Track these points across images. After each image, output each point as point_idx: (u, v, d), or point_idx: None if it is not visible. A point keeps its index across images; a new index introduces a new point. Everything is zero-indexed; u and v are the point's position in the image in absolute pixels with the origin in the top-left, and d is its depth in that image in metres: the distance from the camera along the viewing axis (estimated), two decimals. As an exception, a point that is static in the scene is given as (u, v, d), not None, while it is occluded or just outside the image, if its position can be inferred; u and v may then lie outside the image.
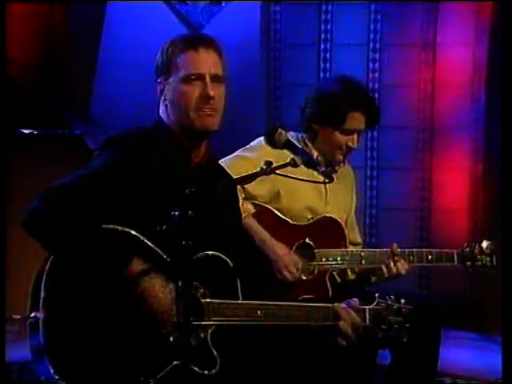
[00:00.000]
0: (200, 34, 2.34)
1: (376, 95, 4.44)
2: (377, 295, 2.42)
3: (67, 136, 4.37)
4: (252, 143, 2.90)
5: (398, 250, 2.88)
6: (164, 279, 2.10)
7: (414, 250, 2.92)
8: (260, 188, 2.78)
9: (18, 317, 2.05)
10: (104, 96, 4.66)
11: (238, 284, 2.22)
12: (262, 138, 2.86)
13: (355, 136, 2.88)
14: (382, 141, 4.55)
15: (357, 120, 2.86)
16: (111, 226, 2.10)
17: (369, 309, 2.39)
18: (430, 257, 2.92)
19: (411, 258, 2.91)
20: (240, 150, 2.87)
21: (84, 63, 4.62)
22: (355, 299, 2.40)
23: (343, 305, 2.37)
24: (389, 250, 2.88)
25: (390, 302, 2.43)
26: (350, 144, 2.88)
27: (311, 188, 2.87)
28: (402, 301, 2.44)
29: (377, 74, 4.53)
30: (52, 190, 2.12)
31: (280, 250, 2.76)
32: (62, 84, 4.55)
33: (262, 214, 2.80)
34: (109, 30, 4.63)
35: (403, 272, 2.86)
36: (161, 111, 2.33)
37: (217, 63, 2.27)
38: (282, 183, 2.78)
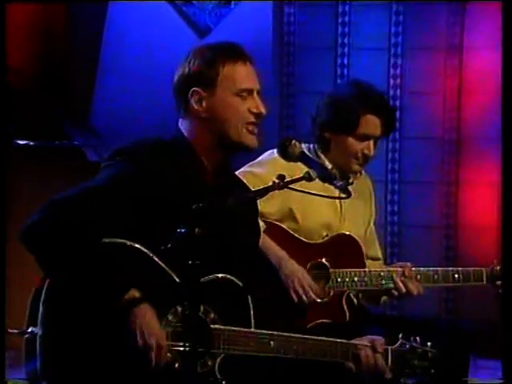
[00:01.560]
0: (239, 44, 2.35)
1: (397, 103, 4.46)
2: (400, 336, 2.40)
3: (66, 147, 4.42)
4: (262, 156, 2.92)
5: (413, 269, 2.90)
6: (159, 311, 2.11)
7: (439, 268, 2.94)
8: (269, 205, 2.79)
9: (15, 331, 2.11)
10: (106, 104, 4.70)
11: (251, 311, 2.23)
12: (273, 151, 2.89)
13: (371, 143, 2.90)
14: (404, 153, 4.55)
15: (371, 124, 2.87)
16: (119, 241, 2.12)
17: (391, 349, 2.37)
18: (456, 276, 2.93)
19: (436, 277, 2.92)
20: (249, 164, 2.90)
21: (84, 69, 4.66)
22: (380, 338, 2.38)
23: (365, 341, 2.36)
24: (406, 268, 2.90)
25: (414, 344, 2.40)
26: (366, 152, 2.89)
27: (326, 203, 2.89)
28: (428, 344, 2.41)
29: (398, 81, 4.55)
30: (53, 203, 2.15)
31: (296, 269, 2.78)
32: (60, 91, 4.60)
33: (273, 233, 2.81)
34: (110, 34, 4.67)
35: (415, 293, 2.88)
36: (181, 123, 2.34)
37: (258, 79, 2.33)
38: (295, 199, 2.80)
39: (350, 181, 2.94)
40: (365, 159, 2.91)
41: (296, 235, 2.88)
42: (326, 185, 2.89)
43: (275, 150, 2.85)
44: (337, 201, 2.90)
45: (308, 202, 2.83)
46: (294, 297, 2.77)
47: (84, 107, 4.70)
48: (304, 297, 2.78)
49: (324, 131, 2.92)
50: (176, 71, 2.35)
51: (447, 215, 4.54)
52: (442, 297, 4.48)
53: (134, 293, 2.11)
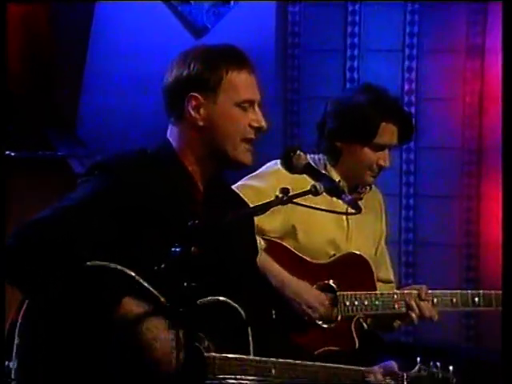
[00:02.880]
0: (243, 51, 2.37)
1: (413, 110, 4.46)
2: (418, 359, 2.41)
3: (50, 158, 4.43)
4: (263, 168, 2.94)
5: (429, 292, 2.92)
6: (165, 321, 2.12)
7: (458, 291, 2.96)
8: (271, 221, 2.81)
9: None
10: (93, 112, 4.72)
11: (250, 337, 2.24)
12: (276, 162, 2.91)
13: (387, 152, 2.94)
14: (420, 164, 4.55)
15: (389, 132, 2.93)
16: (100, 264, 2.14)
17: (407, 375, 2.37)
18: (476, 299, 2.96)
19: (454, 301, 2.95)
20: (248, 176, 2.92)
21: (70, 75, 4.69)
22: (392, 362, 2.38)
23: (377, 368, 2.36)
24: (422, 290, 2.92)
25: (433, 370, 2.40)
26: (381, 162, 2.93)
27: (331, 220, 2.90)
28: (450, 368, 2.41)
29: (414, 86, 4.56)
30: (26, 228, 2.16)
31: (300, 288, 2.80)
32: (44, 98, 4.62)
33: (275, 252, 2.82)
34: (98, 37, 4.69)
35: (427, 315, 2.89)
36: (171, 131, 2.35)
37: (259, 90, 2.36)
38: (298, 215, 2.81)
39: (361, 196, 2.97)
40: (379, 170, 2.95)
41: (300, 254, 2.89)
42: (334, 199, 2.92)
43: (278, 161, 2.88)
44: (344, 217, 2.92)
45: (312, 218, 2.85)
46: (306, 318, 2.79)
47: (69, 115, 4.72)
48: (315, 316, 2.79)
49: (335, 141, 2.94)
50: (169, 73, 2.35)
51: (468, 233, 4.53)
52: (461, 323, 4.48)
53: (130, 302, 2.11)
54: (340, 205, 2.86)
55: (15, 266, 2.15)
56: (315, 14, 4.62)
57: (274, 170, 2.89)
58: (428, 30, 4.57)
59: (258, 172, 2.92)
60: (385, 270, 3.09)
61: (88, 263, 2.13)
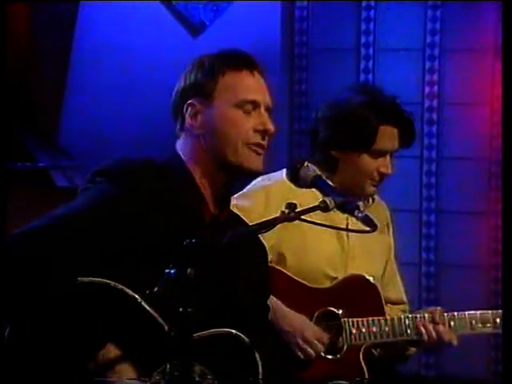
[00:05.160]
0: (247, 52, 2.45)
1: (434, 116, 4.50)
2: None
3: (30, 170, 4.46)
4: (249, 186, 2.92)
5: (445, 314, 2.95)
6: (144, 369, 2.16)
7: (477, 312, 2.99)
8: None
9: None
10: (76, 121, 4.76)
11: (260, 375, 2.24)
12: (265, 177, 2.92)
13: (387, 158, 2.98)
14: (443, 176, 4.57)
15: (389, 136, 2.96)
16: (101, 281, 2.17)
17: None
18: (498, 320, 2.99)
19: (473, 323, 2.97)
20: (233, 197, 2.91)
21: (51, 79, 4.73)
22: None
23: None
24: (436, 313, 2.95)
25: None
26: (382, 170, 2.97)
27: (330, 237, 2.94)
28: None
29: (435, 89, 4.58)
30: (16, 239, 2.20)
31: (296, 321, 2.83)
32: (23, 104, 4.65)
33: (272, 279, 2.85)
34: (84, 35, 4.73)
35: (445, 339, 2.92)
36: (178, 144, 2.42)
37: (268, 94, 2.42)
38: (288, 239, 2.86)
39: (362, 209, 2.98)
40: (381, 178, 2.98)
41: (300, 280, 2.92)
42: (331, 213, 2.92)
43: (265, 177, 2.91)
44: (344, 233, 2.94)
45: (306, 239, 2.89)
46: (301, 355, 2.82)
47: (51, 123, 4.75)
48: (313, 354, 2.82)
49: (330, 149, 2.98)
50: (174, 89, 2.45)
51: (496, 253, 4.52)
52: (490, 356, 4.49)
53: (111, 348, 2.16)
54: (338, 219, 2.84)
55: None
56: (325, 10, 4.65)
57: (261, 186, 2.92)
58: (451, 26, 4.59)
59: (244, 191, 2.94)
60: (395, 289, 3.12)
61: (83, 279, 2.17)
